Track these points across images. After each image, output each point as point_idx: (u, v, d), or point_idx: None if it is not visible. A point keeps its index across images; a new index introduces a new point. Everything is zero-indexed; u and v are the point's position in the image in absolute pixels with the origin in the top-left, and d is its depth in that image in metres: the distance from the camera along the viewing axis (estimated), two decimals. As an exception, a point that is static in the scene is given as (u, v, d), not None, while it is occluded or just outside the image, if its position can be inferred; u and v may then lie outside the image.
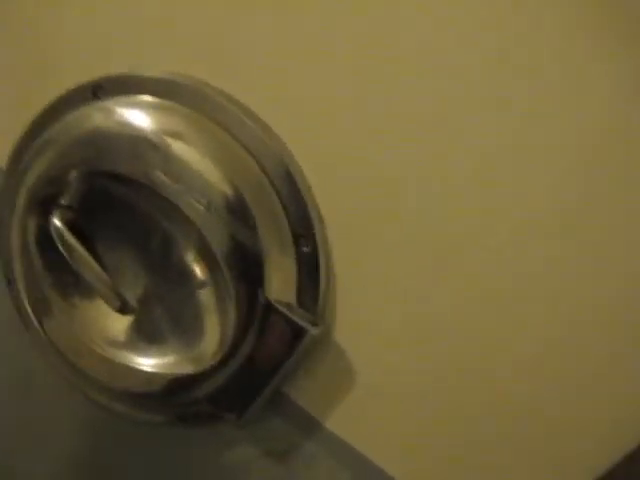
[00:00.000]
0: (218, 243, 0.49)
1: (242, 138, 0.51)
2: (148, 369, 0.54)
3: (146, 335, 0.54)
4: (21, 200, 0.54)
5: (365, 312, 0.52)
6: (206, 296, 0.51)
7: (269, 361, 0.52)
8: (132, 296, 0.53)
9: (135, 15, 0.53)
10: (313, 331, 0.50)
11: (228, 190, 0.49)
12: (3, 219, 0.57)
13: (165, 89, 0.52)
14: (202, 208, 0.49)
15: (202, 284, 0.51)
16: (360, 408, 0.54)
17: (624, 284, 0.44)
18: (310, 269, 0.52)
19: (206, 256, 0.50)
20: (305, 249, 0.51)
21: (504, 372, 0.49)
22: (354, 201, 0.50)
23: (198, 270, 0.51)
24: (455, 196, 0.48)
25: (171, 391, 0.55)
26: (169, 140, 0.50)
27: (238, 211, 0.49)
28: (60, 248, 0.52)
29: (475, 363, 0.50)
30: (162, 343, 0.53)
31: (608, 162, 0.43)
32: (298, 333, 0.51)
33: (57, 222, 0.52)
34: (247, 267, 0.50)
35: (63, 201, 0.52)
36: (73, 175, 0.51)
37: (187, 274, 0.51)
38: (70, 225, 0.52)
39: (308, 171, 0.51)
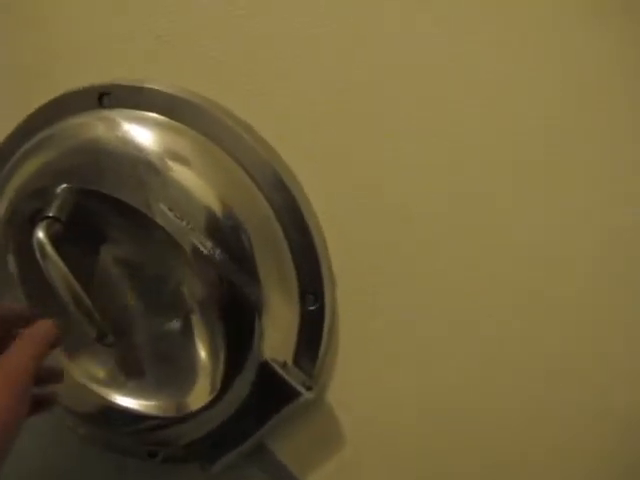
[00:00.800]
0: (217, 291, 0.44)
1: (257, 176, 0.46)
2: (123, 404, 0.49)
3: (126, 370, 0.49)
4: (3, 205, 0.48)
5: (363, 379, 0.48)
6: (197, 342, 0.47)
7: (254, 415, 0.48)
8: (118, 327, 0.48)
9: (152, 25, 0.47)
10: (307, 395, 0.47)
11: (236, 236, 0.44)
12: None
13: (174, 106, 0.47)
14: (205, 252, 0.44)
15: (194, 329, 0.46)
16: (343, 474, 0.51)
17: None
18: (313, 328, 0.48)
19: (202, 301, 0.45)
20: (311, 307, 0.47)
21: (502, 447, 0.46)
22: (370, 262, 0.46)
23: (191, 314, 0.46)
24: (476, 268, 0.44)
25: (144, 429, 0.51)
26: (175, 168, 0.44)
27: (244, 261, 0.44)
28: (40, 262, 0.46)
29: (473, 440, 0.47)
30: (143, 382, 0.49)
31: None
32: (291, 395, 0.47)
33: (40, 234, 0.46)
34: (244, 319, 0.45)
35: (50, 212, 0.46)
36: (65, 188, 0.46)
37: (179, 316, 0.47)
38: (55, 239, 0.46)
39: (325, 223, 0.47)
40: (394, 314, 0.46)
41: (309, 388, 0.47)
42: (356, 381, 0.49)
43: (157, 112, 0.47)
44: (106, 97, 0.48)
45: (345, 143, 0.45)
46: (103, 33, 0.49)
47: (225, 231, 0.44)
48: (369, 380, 0.48)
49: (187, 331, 0.47)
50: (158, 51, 0.48)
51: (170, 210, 0.43)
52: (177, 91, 0.47)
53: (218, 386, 0.46)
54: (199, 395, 0.47)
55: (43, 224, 0.46)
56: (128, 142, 0.45)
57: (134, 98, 0.47)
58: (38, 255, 0.46)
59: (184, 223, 0.44)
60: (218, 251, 0.44)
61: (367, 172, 0.45)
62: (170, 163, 0.44)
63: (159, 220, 0.44)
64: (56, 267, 0.46)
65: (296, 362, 0.48)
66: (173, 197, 0.44)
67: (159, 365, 0.48)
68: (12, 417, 0.37)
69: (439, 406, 0.47)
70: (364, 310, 0.47)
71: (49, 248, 0.46)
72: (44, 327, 0.43)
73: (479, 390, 0.46)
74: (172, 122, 0.47)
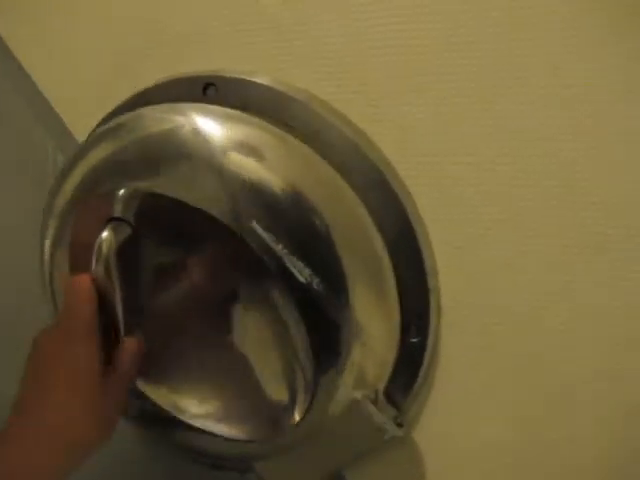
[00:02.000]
0: (309, 319, 0.38)
1: (368, 197, 0.39)
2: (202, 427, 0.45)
3: (205, 395, 0.45)
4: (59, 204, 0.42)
5: (456, 423, 0.44)
6: (282, 370, 0.42)
7: (335, 444, 0.44)
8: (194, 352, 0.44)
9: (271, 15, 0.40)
10: (396, 433, 0.42)
11: (338, 264, 0.38)
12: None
13: (281, 104, 0.40)
14: (302, 280, 0.37)
15: (280, 355, 0.41)
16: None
17: None
18: (411, 361, 0.42)
19: (290, 327, 0.39)
20: (413, 339, 0.42)
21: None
22: (485, 297, 0.40)
23: (277, 340, 0.41)
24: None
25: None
26: (272, 182, 0.38)
27: (343, 292, 0.38)
28: (93, 262, 0.40)
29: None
30: (219, 405, 0.45)
31: None
32: (378, 430, 0.42)
33: (106, 233, 0.40)
34: (338, 348, 0.40)
35: (119, 214, 0.40)
36: (137, 190, 0.39)
37: (260, 342, 0.41)
38: (122, 244, 0.40)
39: (439, 250, 0.40)
40: (503, 360, 0.41)
41: (399, 425, 0.42)
42: (448, 423, 0.44)
43: (261, 110, 0.40)
44: (211, 88, 0.42)
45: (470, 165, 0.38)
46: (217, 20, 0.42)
47: (323, 255, 0.38)
48: (462, 424, 0.43)
49: (267, 364, 0.42)
50: (273, 44, 0.41)
51: (265, 230, 0.37)
52: (287, 89, 0.41)
53: (301, 414, 0.42)
54: (280, 424, 0.43)
55: (111, 226, 0.40)
56: (210, 144, 0.38)
57: (238, 92, 0.41)
58: (94, 254, 0.40)
59: (280, 246, 0.37)
60: (317, 280, 0.38)
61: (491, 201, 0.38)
62: (265, 175, 0.38)
63: (250, 240, 0.37)
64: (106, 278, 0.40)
65: (387, 393, 0.43)
66: (268, 216, 0.37)
67: (239, 388, 0.44)
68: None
69: (537, 463, 0.42)
70: (469, 350, 0.41)
71: (108, 251, 0.40)
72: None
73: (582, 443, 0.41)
74: (272, 127, 0.40)
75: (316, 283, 0.38)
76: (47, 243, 0.44)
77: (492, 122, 0.37)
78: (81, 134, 0.50)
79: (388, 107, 0.38)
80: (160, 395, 0.45)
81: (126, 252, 0.41)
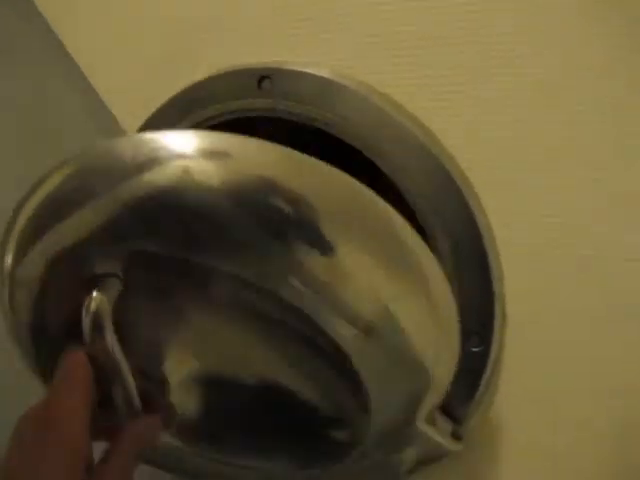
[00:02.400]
0: (373, 378, 0.32)
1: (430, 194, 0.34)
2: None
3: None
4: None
5: (518, 435, 0.41)
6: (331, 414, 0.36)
7: (390, 464, 0.40)
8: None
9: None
10: (454, 448, 0.38)
11: (394, 305, 0.31)
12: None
13: (335, 98, 0.37)
14: (357, 332, 0.30)
15: (324, 403, 0.35)
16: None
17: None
18: (472, 371, 0.37)
19: (332, 379, 0.33)
20: (475, 349, 0.36)
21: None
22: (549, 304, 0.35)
23: (322, 388, 0.35)
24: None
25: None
26: (315, 224, 0.29)
27: (395, 335, 0.31)
28: (85, 335, 0.31)
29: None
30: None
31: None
32: (436, 446, 0.38)
33: (96, 295, 0.31)
34: (387, 390, 0.34)
35: (105, 269, 0.31)
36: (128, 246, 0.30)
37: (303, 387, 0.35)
38: (115, 305, 0.32)
39: (506, 254, 0.34)
40: (566, 366, 0.37)
41: (458, 438, 0.38)
42: (510, 435, 0.41)
43: (317, 103, 0.37)
44: (266, 81, 0.39)
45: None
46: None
47: (382, 301, 0.31)
48: (525, 437, 0.40)
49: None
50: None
51: (305, 286, 0.29)
52: (345, 81, 0.37)
53: (353, 449, 0.37)
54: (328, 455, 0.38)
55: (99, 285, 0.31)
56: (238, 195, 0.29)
57: (296, 84, 0.38)
58: (85, 323, 0.31)
59: (322, 298, 0.29)
60: (377, 330, 0.31)
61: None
62: (309, 215, 0.29)
63: (292, 300, 0.29)
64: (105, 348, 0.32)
65: (445, 405, 0.38)
66: (309, 268, 0.29)
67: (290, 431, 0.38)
68: None
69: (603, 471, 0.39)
70: (534, 362, 0.37)
71: (101, 315, 0.31)
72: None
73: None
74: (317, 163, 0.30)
75: (377, 333, 0.31)
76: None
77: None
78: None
79: (454, 102, 0.30)
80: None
81: (122, 312, 0.32)
